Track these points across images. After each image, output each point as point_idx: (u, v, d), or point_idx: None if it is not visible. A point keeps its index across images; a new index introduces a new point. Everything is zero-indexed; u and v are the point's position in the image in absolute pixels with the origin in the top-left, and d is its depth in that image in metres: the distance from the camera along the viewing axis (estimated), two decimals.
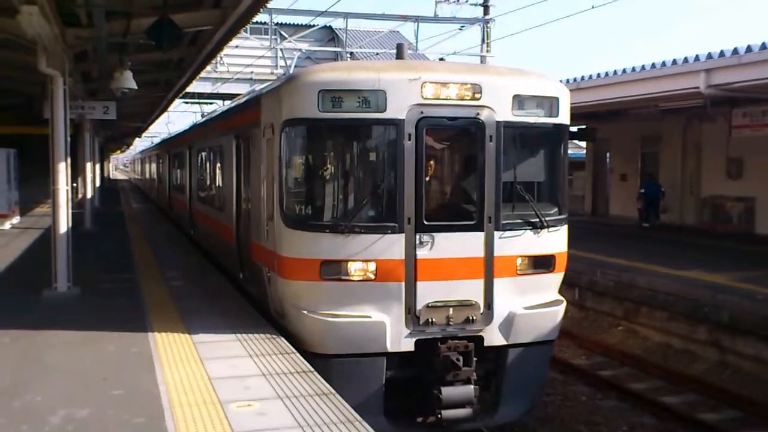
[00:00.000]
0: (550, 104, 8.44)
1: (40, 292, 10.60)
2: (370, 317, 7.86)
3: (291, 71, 16.53)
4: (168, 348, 7.91)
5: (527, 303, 8.38)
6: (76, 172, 24.13)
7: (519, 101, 8.22)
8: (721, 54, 13.94)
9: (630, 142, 26.20)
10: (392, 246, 7.83)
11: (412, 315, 7.92)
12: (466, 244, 8.06)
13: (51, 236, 10.92)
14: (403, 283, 7.89)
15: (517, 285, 8.32)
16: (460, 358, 7.91)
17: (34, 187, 23.65)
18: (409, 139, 7.82)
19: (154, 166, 35.48)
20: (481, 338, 8.17)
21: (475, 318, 8.07)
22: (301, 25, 29.83)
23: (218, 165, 13.64)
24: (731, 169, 22.00)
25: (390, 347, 7.88)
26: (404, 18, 26.63)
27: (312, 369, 7.19)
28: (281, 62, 27.76)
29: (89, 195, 23.05)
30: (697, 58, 14.66)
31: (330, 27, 30.61)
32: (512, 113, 8.17)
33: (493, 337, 8.22)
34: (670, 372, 12.00)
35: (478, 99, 8.04)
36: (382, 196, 8.01)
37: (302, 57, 28.15)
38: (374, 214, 8.00)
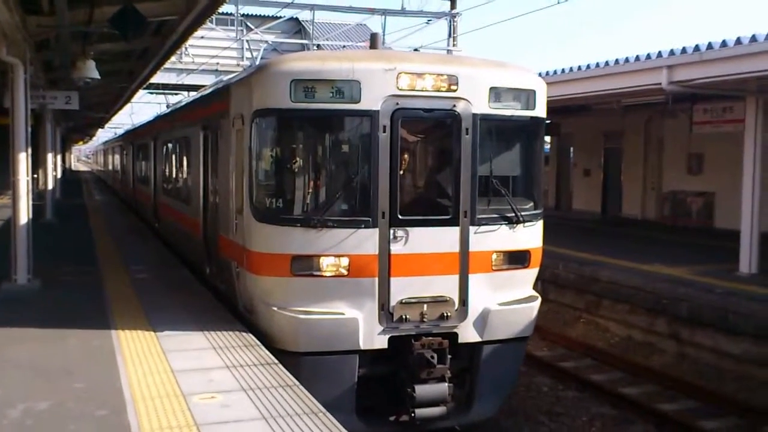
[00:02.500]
0: (527, 97, 8.34)
1: (0, 284, 10.43)
2: (342, 314, 7.68)
3: (257, 63, 16.34)
4: (131, 341, 7.84)
5: (502, 299, 8.27)
6: (37, 163, 23.73)
7: (496, 93, 8.09)
8: (683, 51, 14.15)
9: (593, 137, 26.51)
10: (366, 241, 7.66)
11: (385, 311, 7.77)
12: (441, 239, 7.92)
13: (10, 228, 10.75)
14: (377, 279, 7.73)
15: (492, 281, 8.21)
16: (435, 355, 7.79)
17: None
18: (384, 131, 7.66)
19: (117, 157, 34.96)
20: (456, 335, 8.05)
21: (449, 314, 7.95)
22: (268, 16, 29.63)
23: (185, 157, 13.34)
24: (692, 165, 22.37)
25: (363, 344, 7.72)
26: (372, 11, 26.62)
27: (276, 361, 7.18)
28: (247, 54, 27.55)
29: (50, 186, 22.69)
30: (659, 54, 14.84)
31: (297, 19, 30.43)
32: (489, 105, 8.05)
33: (468, 333, 8.10)
34: (630, 363, 12.21)
35: (454, 91, 7.89)
36: (356, 189, 7.81)
37: (269, 49, 27.98)
38: (347, 207, 7.82)
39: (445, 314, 7.93)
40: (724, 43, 13.27)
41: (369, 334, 7.74)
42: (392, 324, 7.80)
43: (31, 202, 10.92)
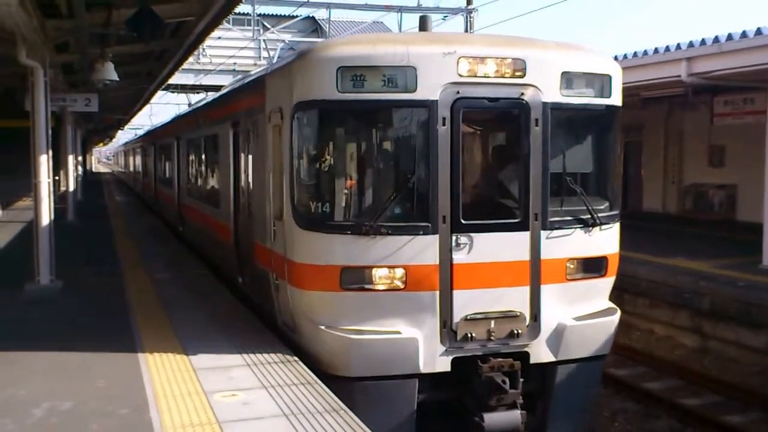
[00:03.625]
0: (602, 83, 7.43)
1: (23, 285, 10.54)
2: (399, 333, 6.81)
3: (274, 62, 16.04)
4: (152, 340, 7.90)
5: (577, 313, 7.37)
6: (58, 165, 23.97)
7: (568, 79, 7.20)
8: (702, 42, 14.03)
9: None
10: (425, 249, 6.79)
11: (448, 329, 6.88)
12: (510, 246, 7.01)
13: (33, 229, 10.86)
14: (438, 293, 6.85)
15: (567, 292, 7.29)
16: (505, 379, 6.87)
17: (15, 180, 23.46)
18: (444, 124, 6.78)
19: (138, 158, 34.95)
20: (527, 355, 7.13)
21: (520, 332, 7.02)
22: (284, 15, 29.72)
23: (211, 157, 12.59)
24: (713, 157, 22.13)
25: (423, 367, 6.85)
26: (388, 8, 26.58)
27: (296, 358, 7.18)
28: (264, 53, 27.65)
29: (71, 188, 22.90)
30: (678, 46, 14.73)
31: (313, 18, 30.51)
32: (560, 93, 7.15)
33: (540, 352, 7.18)
34: (652, 358, 12.12)
35: (521, 76, 7.00)
36: (413, 190, 6.89)
37: (285, 48, 28.05)
38: (403, 212, 6.92)
39: (516, 331, 7.01)
40: (743, 34, 13.13)
41: (430, 356, 6.84)
42: (456, 343, 6.90)
43: (53, 204, 11.02)
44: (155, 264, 13.07)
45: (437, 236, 6.82)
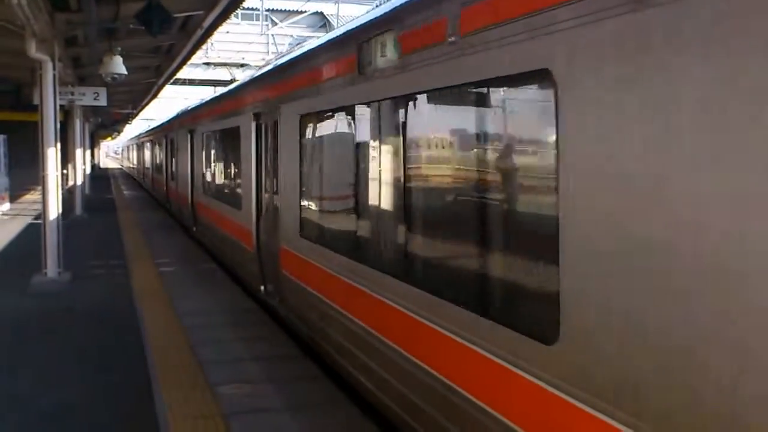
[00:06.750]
0: None
1: (31, 277, 10.60)
2: None
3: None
4: (158, 330, 7.92)
5: None
6: (66, 159, 24.10)
7: None
8: None
9: None
10: None
11: None
12: None
13: (41, 222, 10.93)
14: None
15: None
16: None
17: (23, 174, 23.60)
18: None
19: (159, 153, 26.09)
20: None
21: None
22: (292, 11, 29.79)
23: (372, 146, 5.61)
24: None
25: None
26: None
27: None
28: (273, 48, 27.71)
29: (79, 182, 22.99)
30: None
31: (321, 13, 30.55)
32: None
33: None
34: None
35: None
36: None
37: (293, 43, 28.11)
38: None
39: None
40: None
41: None
42: None
43: (60, 197, 11.08)
44: (161, 257, 13.11)
45: None
